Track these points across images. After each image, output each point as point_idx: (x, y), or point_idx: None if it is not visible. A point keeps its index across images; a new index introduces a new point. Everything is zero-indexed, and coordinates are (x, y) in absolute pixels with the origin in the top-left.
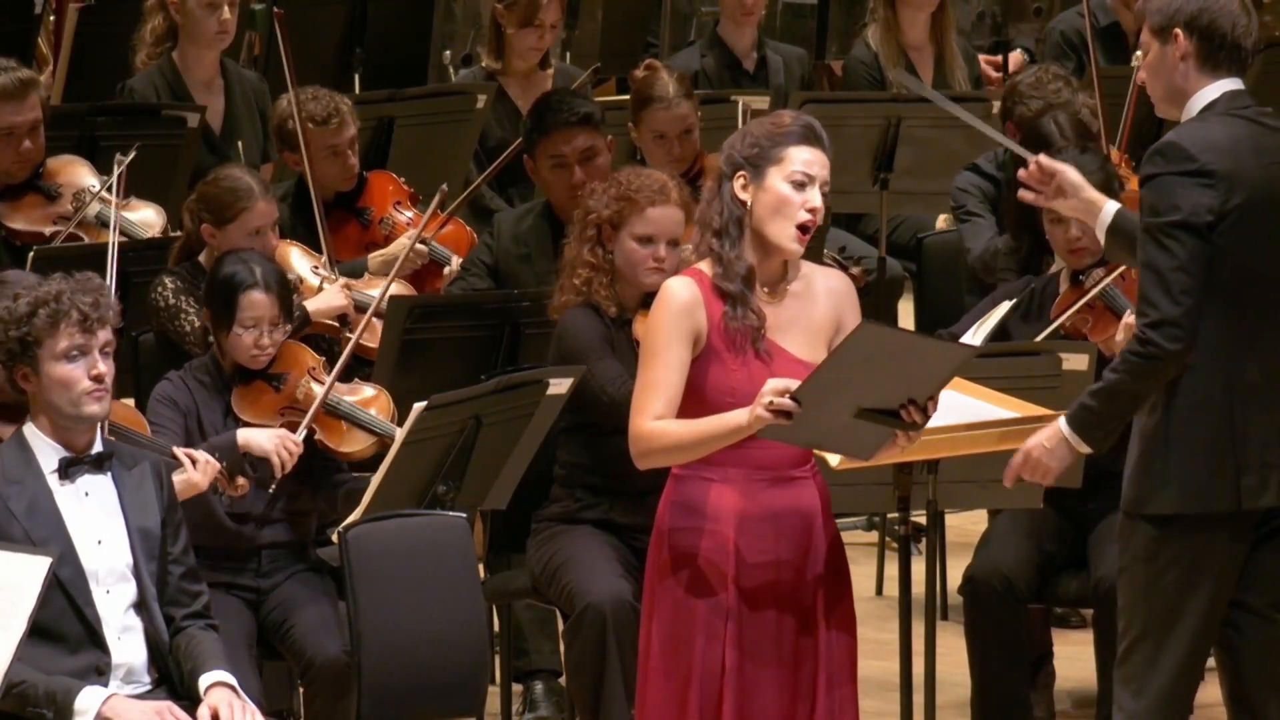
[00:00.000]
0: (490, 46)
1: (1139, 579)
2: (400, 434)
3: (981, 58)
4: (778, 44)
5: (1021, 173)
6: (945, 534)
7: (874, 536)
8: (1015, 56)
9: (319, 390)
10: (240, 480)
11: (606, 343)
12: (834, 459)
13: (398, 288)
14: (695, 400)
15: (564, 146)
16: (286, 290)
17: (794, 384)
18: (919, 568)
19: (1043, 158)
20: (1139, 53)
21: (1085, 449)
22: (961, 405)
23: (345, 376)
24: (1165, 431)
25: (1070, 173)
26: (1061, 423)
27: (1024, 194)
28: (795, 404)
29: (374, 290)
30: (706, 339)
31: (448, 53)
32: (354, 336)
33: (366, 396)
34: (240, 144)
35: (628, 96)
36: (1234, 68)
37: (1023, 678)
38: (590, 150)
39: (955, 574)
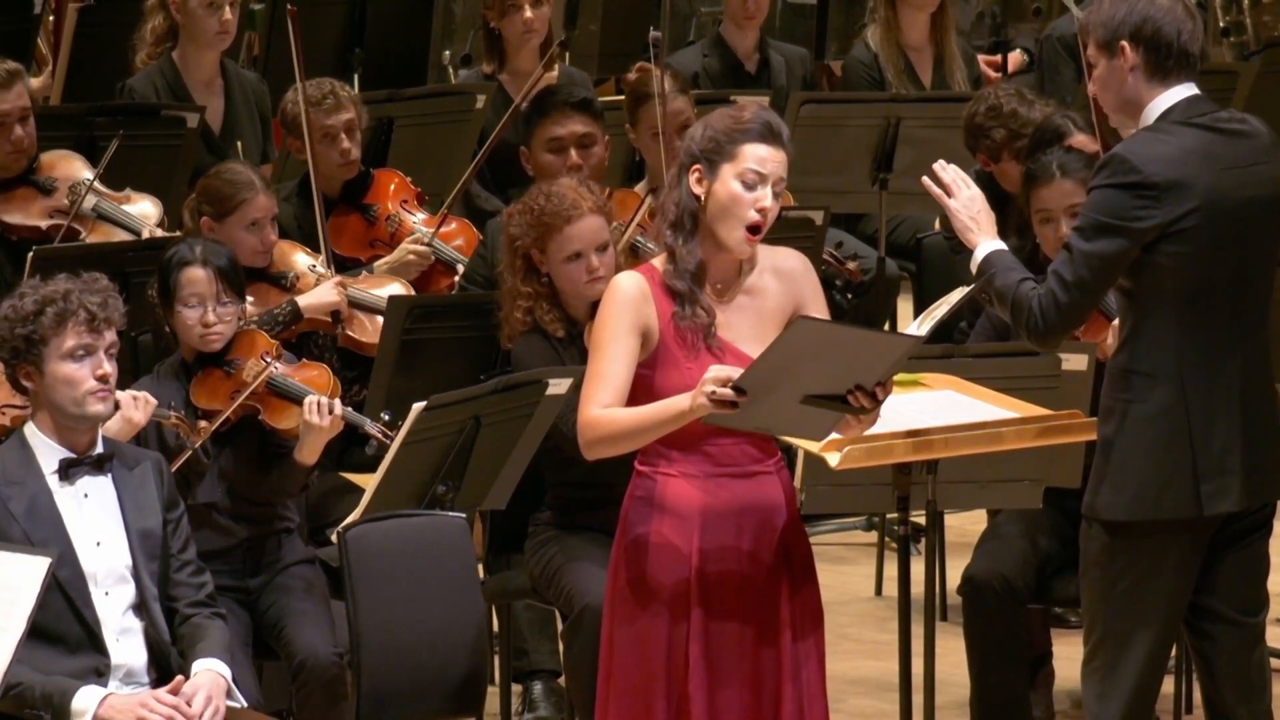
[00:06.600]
0: (486, 50)
1: (1096, 584)
2: (400, 434)
3: (981, 58)
4: (780, 44)
5: None
6: (944, 534)
7: (873, 537)
8: (1014, 57)
9: (269, 372)
10: (202, 423)
11: (557, 365)
12: (833, 459)
13: (398, 288)
14: (650, 400)
15: (560, 129)
16: (234, 269)
17: (736, 372)
18: (918, 568)
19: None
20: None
21: (974, 263)
22: (961, 405)
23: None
24: (1124, 439)
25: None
26: (992, 245)
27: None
28: (738, 393)
29: (371, 287)
30: (659, 338)
31: (448, 53)
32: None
33: (308, 374)
34: (240, 144)
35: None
36: (1184, 74)
37: (1022, 678)
38: (588, 137)
39: (954, 574)
